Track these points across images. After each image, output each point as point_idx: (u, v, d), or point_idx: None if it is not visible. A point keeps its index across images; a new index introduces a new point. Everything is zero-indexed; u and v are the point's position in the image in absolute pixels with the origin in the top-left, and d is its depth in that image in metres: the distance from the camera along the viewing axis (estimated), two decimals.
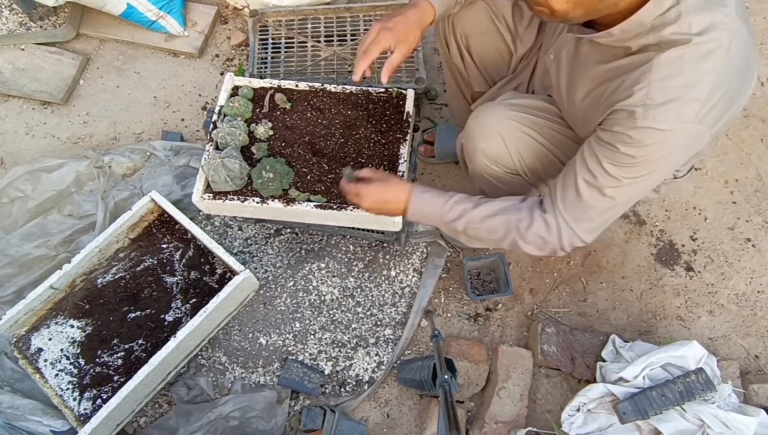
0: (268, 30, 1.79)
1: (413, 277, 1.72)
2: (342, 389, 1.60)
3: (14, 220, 1.76)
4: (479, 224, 1.12)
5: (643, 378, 1.41)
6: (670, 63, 0.87)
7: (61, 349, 1.55)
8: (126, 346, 1.53)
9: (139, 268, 1.65)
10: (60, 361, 1.54)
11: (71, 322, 1.58)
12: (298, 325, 1.66)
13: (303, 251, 1.75)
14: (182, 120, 2.02)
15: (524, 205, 1.10)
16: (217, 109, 1.50)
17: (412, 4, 1.17)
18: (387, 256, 1.74)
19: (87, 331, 1.57)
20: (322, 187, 1.40)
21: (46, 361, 1.54)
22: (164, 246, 1.68)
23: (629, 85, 0.92)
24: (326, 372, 1.61)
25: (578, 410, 1.44)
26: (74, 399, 1.48)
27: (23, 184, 1.79)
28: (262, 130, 1.45)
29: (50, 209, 1.79)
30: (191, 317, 1.48)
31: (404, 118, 1.47)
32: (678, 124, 0.88)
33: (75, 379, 1.51)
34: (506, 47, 1.35)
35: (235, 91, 1.54)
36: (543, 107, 1.24)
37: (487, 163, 1.24)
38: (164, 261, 1.65)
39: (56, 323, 1.59)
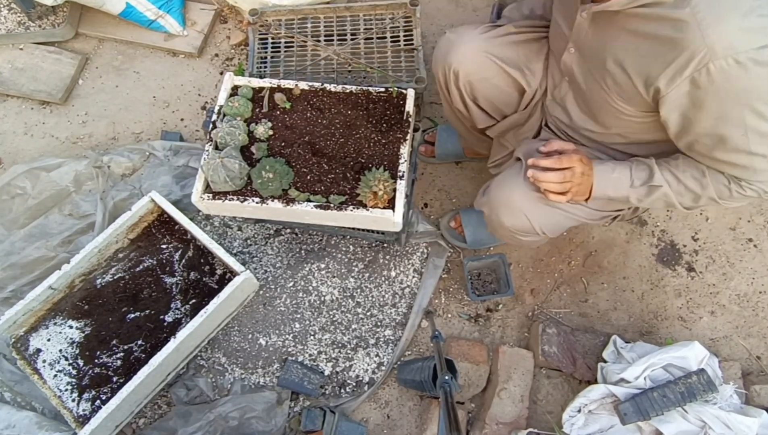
0: (268, 29, 1.78)
1: (413, 277, 1.72)
2: (342, 390, 1.60)
3: (15, 217, 1.77)
4: (674, 182, 1.09)
5: (645, 379, 1.41)
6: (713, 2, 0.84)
7: (60, 350, 1.55)
8: (125, 347, 1.53)
9: (138, 269, 1.65)
10: (59, 362, 1.54)
11: (70, 322, 1.58)
12: (297, 325, 1.66)
13: (303, 252, 1.75)
14: (181, 120, 2.02)
15: (708, 172, 1.06)
16: (216, 108, 1.50)
17: None
18: (387, 257, 1.74)
19: (86, 332, 1.57)
20: (322, 187, 1.40)
21: (44, 361, 1.54)
22: (164, 246, 1.67)
23: (673, 45, 0.89)
24: (326, 373, 1.61)
25: (579, 411, 1.44)
26: (73, 400, 1.48)
27: (22, 182, 1.79)
28: (262, 129, 1.45)
29: (51, 208, 1.79)
30: (191, 318, 1.48)
31: (404, 118, 1.47)
32: (747, 54, 0.84)
33: (74, 380, 1.51)
34: (515, 83, 1.33)
35: (234, 90, 1.54)
36: None
37: (510, 233, 1.30)
38: (164, 261, 1.65)
39: (55, 324, 1.59)
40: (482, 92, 1.36)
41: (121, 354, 1.53)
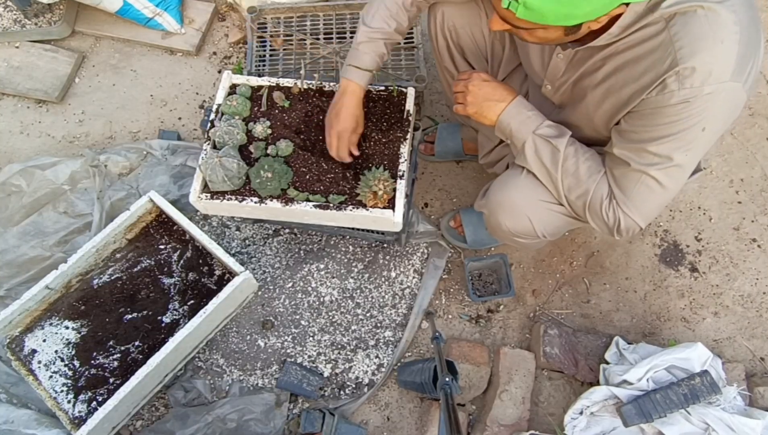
0: (266, 27, 1.79)
1: (414, 278, 1.72)
2: (341, 392, 1.60)
3: (10, 214, 1.77)
4: (572, 159, 1.12)
5: (647, 380, 1.41)
6: (691, 27, 0.88)
7: (56, 351, 1.55)
8: (122, 348, 1.53)
9: (136, 269, 1.65)
10: (54, 363, 1.54)
11: (66, 323, 1.58)
12: (296, 327, 1.66)
13: (302, 252, 1.75)
14: (179, 119, 2.02)
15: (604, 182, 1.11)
16: (214, 107, 1.50)
17: (341, 91, 1.31)
18: (387, 257, 1.74)
19: (82, 333, 1.57)
20: (321, 187, 1.40)
21: (40, 362, 1.54)
22: (162, 247, 1.67)
23: (650, 64, 0.93)
24: (325, 374, 1.61)
25: (581, 413, 1.44)
26: (69, 401, 1.48)
27: (18, 181, 1.79)
28: (261, 128, 1.45)
29: (45, 205, 1.79)
30: (189, 319, 1.48)
31: (405, 116, 1.47)
32: (716, 85, 0.89)
33: (70, 381, 1.51)
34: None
35: (232, 89, 1.54)
36: None
37: (511, 236, 1.30)
38: (162, 262, 1.65)
39: (51, 324, 1.59)
40: (466, 40, 1.38)
41: (118, 355, 1.53)
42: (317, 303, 1.69)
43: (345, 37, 1.75)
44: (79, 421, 1.44)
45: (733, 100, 0.93)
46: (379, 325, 1.67)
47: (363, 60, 1.28)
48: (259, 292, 1.70)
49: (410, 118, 1.47)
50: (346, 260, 1.74)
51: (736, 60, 0.88)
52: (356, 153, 1.39)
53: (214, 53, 2.13)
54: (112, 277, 1.64)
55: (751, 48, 0.90)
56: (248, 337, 1.65)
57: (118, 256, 1.67)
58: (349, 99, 1.31)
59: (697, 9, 0.87)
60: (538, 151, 1.15)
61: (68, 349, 1.55)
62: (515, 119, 1.16)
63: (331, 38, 1.75)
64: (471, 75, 1.21)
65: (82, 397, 1.48)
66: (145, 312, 1.58)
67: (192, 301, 1.59)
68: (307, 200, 1.38)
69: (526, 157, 1.16)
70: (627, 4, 0.88)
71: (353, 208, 1.37)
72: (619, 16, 0.91)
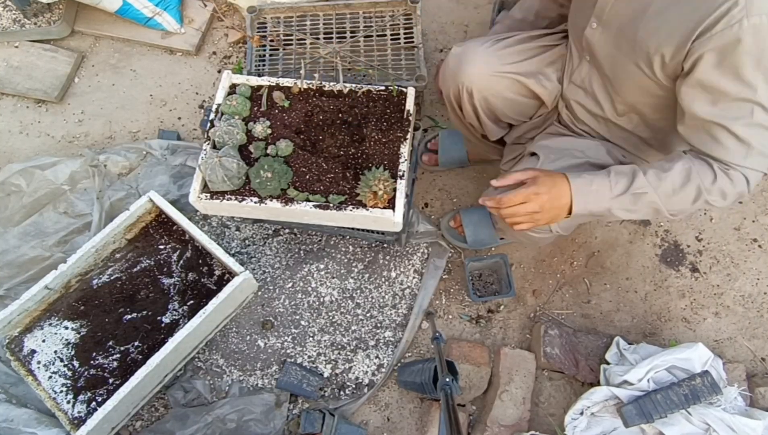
0: (266, 27, 1.79)
1: (414, 278, 1.72)
2: (341, 392, 1.60)
3: (10, 214, 1.77)
4: (672, 194, 1.04)
5: (648, 381, 1.41)
6: None
7: (55, 351, 1.55)
8: (122, 349, 1.53)
9: (135, 269, 1.65)
10: (54, 363, 1.54)
11: (66, 323, 1.58)
12: (296, 327, 1.66)
13: (302, 252, 1.75)
14: (179, 118, 2.02)
15: (697, 163, 1.03)
16: (214, 107, 1.50)
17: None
18: (387, 257, 1.74)
19: (82, 333, 1.57)
20: (321, 187, 1.40)
21: (39, 363, 1.54)
22: (161, 247, 1.67)
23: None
24: (325, 375, 1.61)
25: (582, 414, 1.44)
26: (68, 402, 1.48)
27: (17, 180, 1.79)
28: (260, 128, 1.45)
29: (45, 206, 1.79)
30: (188, 319, 1.48)
31: (405, 116, 1.47)
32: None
33: (69, 381, 1.51)
34: (530, 91, 1.33)
35: (232, 89, 1.54)
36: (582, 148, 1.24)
37: (522, 234, 1.29)
38: (161, 262, 1.65)
39: (50, 325, 1.59)
40: (498, 106, 1.38)
41: (118, 355, 1.53)
42: (317, 303, 1.69)
43: (345, 37, 1.75)
44: (78, 422, 1.44)
45: None
46: (379, 325, 1.67)
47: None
48: (259, 293, 1.70)
49: (410, 118, 1.46)
50: (346, 260, 1.74)
51: None
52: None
53: (214, 53, 2.13)
54: (112, 278, 1.64)
55: None
56: (248, 337, 1.65)
57: (117, 256, 1.67)
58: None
59: None
60: (629, 208, 1.07)
61: (67, 350, 1.55)
62: (587, 201, 1.06)
63: (331, 38, 1.75)
64: (523, 196, 1.07)
65: (81, 397, 1.49)
66: (144, 312, 1.58)
67: (192, 302, 1.59)
68: (307, 200, 1.38)
69: (623, 217, 1.10)
70: None
71: (353, 208, 1.37)
72: None
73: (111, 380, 1.49)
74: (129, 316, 1.58)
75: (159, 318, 1.57)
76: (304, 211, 1.38)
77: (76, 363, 1.53)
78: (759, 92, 0.93)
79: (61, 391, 1.50)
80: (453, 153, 1.80)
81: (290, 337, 1.65)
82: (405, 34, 1.74)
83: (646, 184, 1.04)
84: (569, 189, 1.06)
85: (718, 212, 1.81)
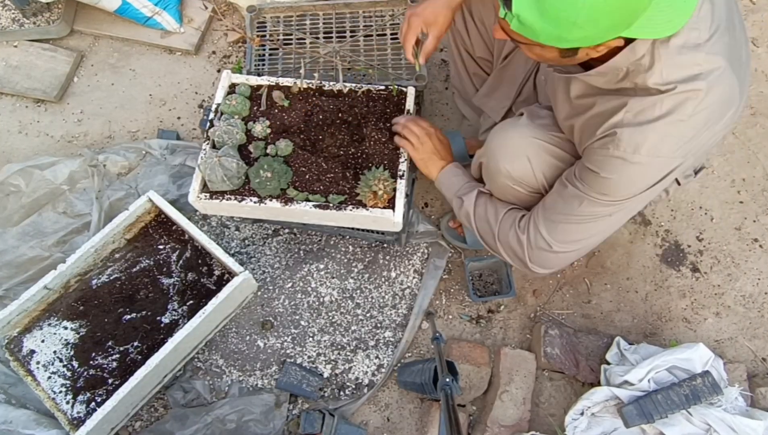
0: (266, 26, 1.78)
1: (414, 278, 1.72)
2: (341, 392, 1.60)
3: (9, 214, 1.77)
4: (476, 214, 1.28)
5: (649, 381, 1.41)
6: (642, 113, 0.94)
7: (54, 352, 1.55)
8: (121, 349, 1.53)
9: (135, 270, 1.65)
10: (53, 364, 1.54)
11: (65, 323, 1.58)
12: (296, 327, 1.66)
13: (301, 252, 1.75)
14: (178, 118, 2.02)
15: (510, 216, 1.23)
16: (213, 107, 1.50)
17: None
18: (387, 257, 1.74)
19: (81, 333, 1.57)
20: (321, 187, 1.40)
21: (38, 363, 1.54)
22: (161, 247, 1.67)
23: (605, 123, 0.99)
24: (325, 375, 1.61)
25: (582, 414, 1.44)
26: (67, 402, 1.48)
27: (16, 180, 1.79)
28: (260, 128, 1.45)
29: (44, 206, 1.79)
30: (188, 319, 1.48)
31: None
32: (649, 158, 0.96)
33: (68, 381, 1.51)
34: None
35: (232, 88, 1.54)
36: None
37: (509, 183, 1.23)
38: (161, 262, 1.65)
39: (49, 325, 1.59)
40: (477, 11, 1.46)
41: (117, 356, 1.53)
42: (317, 303, 1.69)
43: (345, 36, 1.75)
44: (77, 422, 1.44)
45: (661, 170, 1.01)
46: (379, 325, 1.67)
47: None
48: (259, 293, 1.70)
49: None
50: (345, 260, 1.74)
51: (676, 145, 0.95)
52: (422, 60, 1.35)
53: (214, 52, 2.13)
54: (111, 278, 1.64)
55: (703, 134, 0.96)
56: (248, 337, 1.65)
57: (116, 256, 1.67)
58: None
59: (657, 95, 0.92)
60: (457, 210, 1.34)
61: (67, 350, 1.55)
62: (443, 184, 1.37)
63: (331, 37, 1.75)
64: (429, 129, 1.38)
65: (80, 397, 1.48)
66: (144, 312, 1.58)
67: (191, 302, 1.59)
68: (307, 200, 1.38)
69: (458, 215, 1.35)
70: (627, 40, 0.89)
71: (353, 208, 1.37)
72: (602, 63, 0.93)
73: (110, 380, 1.49)
74: (128, 317, 1.58)
75: (158, 318, 1.57)
76: (304, 211, 1.38)
77: (75, 363, 1.53)
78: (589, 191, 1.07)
79: (61, 392, 1.50)
80: (453, 144, 1.79)
81: (290, 337, 1.65)
82: None
83: (471, 201, 1.29)
84: (446, 164, 1.37)
85: (718, 212, 1.81)
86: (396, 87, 1.51)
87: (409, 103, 1.48)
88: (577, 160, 1.12)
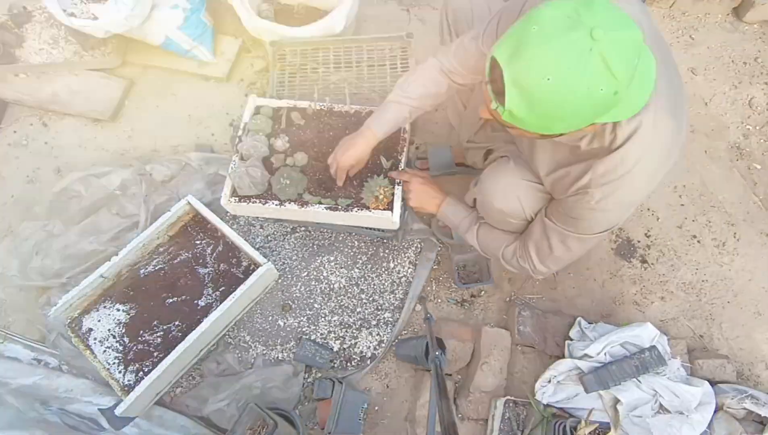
0: (285, 57, 1.78)
1: (409, 268, 1.72)
2: (348, 364, 1.60)
3: (71, 215, 1.76)
4: (480, 245, 1.34)
5: (605, 354, 1.41)
6: (606, 175, 0.95)
7: (109, 330, 1.55)
8: (164, 327, 1.53)
9: (176, 261, 1.65)
10: (107, 340, 1.54)
11: (117, 306, 1.58)
12: (310, 309, 1.66)
13: (315, 246, 1.75)
14: (212, 134, 2.02)
15: (511, 249, 1.28)
16: (242, 125, 1.50)
17: (360, 133, 1.28)
18: (387, 251, 1.74)
19: (131, 314, 1.57)
20: (331, 192, 1.40)
21: (95, 339, 1.54)
22: (197, 242, 1.67)
23: (579, 179, 1.00)
24: (335, 349, 1.61)
25: (549, 382, 1.44)
26: (120, 372, 1.48)
27: (77, 187, 1.79)
28: (280, 143, 1.45)
29: (100, 208, 1.78)
30: (220, 303, 1.48)
31: (401, 133, 1.47)
32: (617, 205, 1.00)
33: (120, 355, 1.51)
34: None
35: (257, 110, 1.54)
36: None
37: (501, 217, 1.25)
38: (197, 255, 1.65)
39: (104, 307, 1.59)
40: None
41: (161, 333, 1.53)
42: (328, 289, 1.69)
43: (352, 66, 1.75)
44: (128, 389, 1.44)
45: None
46: (379, 307, 1.67)
47: (386, 116, 1.26)
48: (279, 280, 1.70)
49: (406, 135, 1.46)
50: (352, 253, 1.73)
51: (638, 192, 1.00)
52: (340, 180, 1.38)
53: (242, 79, 2.13)
54: (156, 268, 1.64)
55: (655, 177, 0.98)
56: (270, 317, 1.65)
57: (161, 250, 1.67)
58: (361, 142, 1.27)
59: (616, 151, 0.92)
60: (463, 236, 1.38)
61: (119, 328, 1.55)
62: (448, 214, 1.39)
63: (340, 67, 1.75)
64: (417, 179, 1.39)
65: (131, 368, 1.49)
66: (183, 297, 1.58)
67: (223, 288, 1.59)
68: (320, 203, 1.38)
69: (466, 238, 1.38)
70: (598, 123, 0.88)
71: (358, 209, 1.37)
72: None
73: (155, 354, 1.49)
74: (170, 300, 1.58)
75: (196, 302, 1.57)
76: (317, 212, 1.38)
77: (126, 339, 1.53)
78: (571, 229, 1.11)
79: (114, 363, 1.50)
80: (439, 161, 1.79)
81: (305, 317, 1.65)
82: (401, 64, 1.74)
83: (474, 234, 1.34)
84: (442, 201, 1.38)
85: (663, 213, 1.81)
86: None
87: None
88: (555, 200, 1.13)
